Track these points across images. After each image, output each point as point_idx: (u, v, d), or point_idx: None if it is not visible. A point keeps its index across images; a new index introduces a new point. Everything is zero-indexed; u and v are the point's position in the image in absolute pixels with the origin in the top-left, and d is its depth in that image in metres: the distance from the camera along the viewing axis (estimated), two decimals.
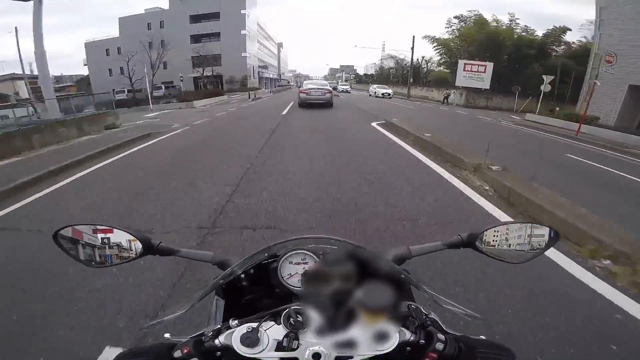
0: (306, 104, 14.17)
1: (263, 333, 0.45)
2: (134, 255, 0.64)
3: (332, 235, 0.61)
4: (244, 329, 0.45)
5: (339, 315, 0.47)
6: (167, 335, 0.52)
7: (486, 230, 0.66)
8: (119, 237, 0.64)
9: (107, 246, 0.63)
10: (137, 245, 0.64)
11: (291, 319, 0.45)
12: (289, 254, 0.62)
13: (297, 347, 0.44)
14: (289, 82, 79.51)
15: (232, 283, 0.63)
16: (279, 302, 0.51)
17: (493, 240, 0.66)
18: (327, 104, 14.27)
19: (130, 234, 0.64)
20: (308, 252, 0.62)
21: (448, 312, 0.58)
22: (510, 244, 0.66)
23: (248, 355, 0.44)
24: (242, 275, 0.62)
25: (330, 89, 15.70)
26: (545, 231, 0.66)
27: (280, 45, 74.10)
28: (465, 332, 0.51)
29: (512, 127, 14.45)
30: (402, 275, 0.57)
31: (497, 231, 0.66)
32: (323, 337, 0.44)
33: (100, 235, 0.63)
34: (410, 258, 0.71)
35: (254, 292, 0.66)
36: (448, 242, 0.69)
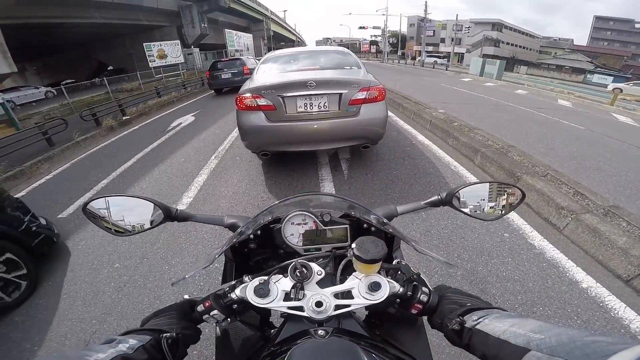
0: None
1: (273, 285, 0.50)
2: (156, 223, 0.69)
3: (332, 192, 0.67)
4: (256, 282, 0.50)
5: (337, 268, 0.56)
6: (185, 296, 0.58)
7: (461, 189, 0.72)
8: (142, 206, 0.68)
9: (132, 215, 0.68)
10: (159, 213, 0.69)
11: (297, 272, 0.50)
12: (290, 215, 0.65)
13: (303, 297, 0.49)
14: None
15: (241, 246, 0.68)
16: (283, 262, 0.56)
17: (468, 199, 0.72)
18: None
19: (152, 202, 0.68)
20: (308, 214, 0.66)
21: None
22: (483, 203, 0.72)
23: (260, 305, 0.49)
24: (251, 237, 0.66)
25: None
26: (513, 191, 0.72)
27: None
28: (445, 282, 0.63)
29: None
30: (390, 230, 0.65)
31: (472, 190, 0.72)
32: (324, 288, 0.51)
33: (125, 206, 0.67)
34: (397, 215, 0.79)
35: (261, 255, 0.72)
36: (429, 201, 0.76)
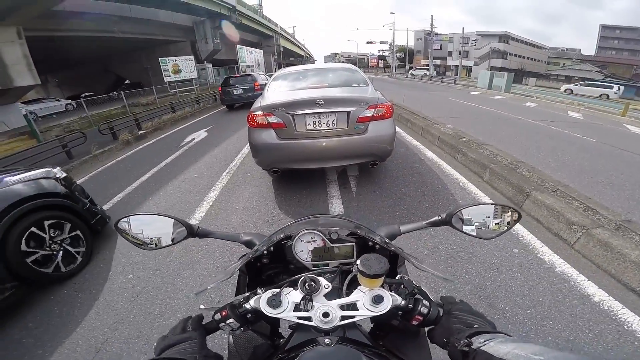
0: None
1: (284, 297, 0.54)
2: (180, 239, 0.76)
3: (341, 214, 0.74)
4: (269, 293, 0.54)
5: (344, 282, 0.60)
6: (202, 306, 0.62)
7: (460, 210, 0.76)
8: (167, 223, 0.76)
9: (158, 231, 0.76)
10: (182, 230, 0.76)
11: (306, 285, 0.54)
12: (301, 233, 0.71)
13: (311, 308, 0.53)
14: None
15: (255, 261, 0.74)
16: (293, 276, 0.60)
17: (466, 220, 0.76)
18: None
19: (176, 220, 0.76)
20: (317, 232, 0.71)
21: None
22: (481, 222, 0.76)
23: (272, 315, 0.53)
24: (265, 252, 0.72)
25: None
26: (509, 212, 0.76)
27: None
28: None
29: None
30: (392, 248, 0.70)
31: (470, 211, 0.76)
32: (331, 300, 0.54)
33: (152, 223, 0.75)
34: (400, 234, 0.83)
35: (272, 269, 0.76)
36: (430, 221, 0.80)
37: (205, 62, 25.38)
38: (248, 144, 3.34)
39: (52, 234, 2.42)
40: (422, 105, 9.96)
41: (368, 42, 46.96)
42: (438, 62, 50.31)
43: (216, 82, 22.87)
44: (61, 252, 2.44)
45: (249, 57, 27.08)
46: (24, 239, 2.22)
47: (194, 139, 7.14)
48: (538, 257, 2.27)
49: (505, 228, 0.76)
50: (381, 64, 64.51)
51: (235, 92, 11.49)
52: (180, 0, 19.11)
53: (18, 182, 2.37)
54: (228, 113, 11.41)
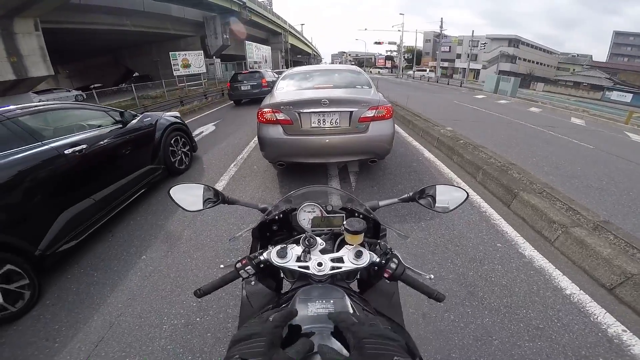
0: None
1: (289, 250, 0.69)
2: (214, 204, 0.98)
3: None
4: (278, 247, 0.70)
5: (335, 243, 0.78)
6: (221, 265, 0.81)
7: (424, 188, 0.97)
8: (206, 192, 0.97)
9: (197, 197, 0.97)
10: (216, 197, 0.98)
11: (306, 241, 0.70)
12: (303, 205, 0.89)
13: (309, 260, 0.68)
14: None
15: (267, 226, 0.93)
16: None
17: (429, 196, 0.96)
18: None
19: (212, 189, 0.97)
20: (316, 205, 0.89)
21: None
22: (439, 200, 0.95)
23: (279, 264, 0.68)
24: (276, 218, 0.92)
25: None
26: (461, 192, 0.95)
27: None
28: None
29: None
30: (372, 216, 0.91)
31: (432, 190, 0.95)
32: (324, 255, 0.70)
33: (193, 190, 0.97)
34: (379, 207, 1.03)
35: (279, 236, 0.95)
36: (401, 198, 1.02)
37: (214, 57, 25.63)
38: (255, 139, 3.56)
39: (181, 146, 4.39)
40: (425, 107, 10.09)
41: (376, 42, 46.82)
42: (446, 64, 50.19)
43: (224, 77, 23.15)
44: (179, 157, 4.29)
45: (257, 53, 27.24)
46: (172, 141, 4.18)
47: (202, 132, 7.36)
48: (519, 252, 2.46)
49: (457, 205, 0.95)
50: (388, 64, 64.43)
51: (243, 88, 11.70)
52: None
53: (169, 116, 4.41)
54: (235, 108, 11.57)
